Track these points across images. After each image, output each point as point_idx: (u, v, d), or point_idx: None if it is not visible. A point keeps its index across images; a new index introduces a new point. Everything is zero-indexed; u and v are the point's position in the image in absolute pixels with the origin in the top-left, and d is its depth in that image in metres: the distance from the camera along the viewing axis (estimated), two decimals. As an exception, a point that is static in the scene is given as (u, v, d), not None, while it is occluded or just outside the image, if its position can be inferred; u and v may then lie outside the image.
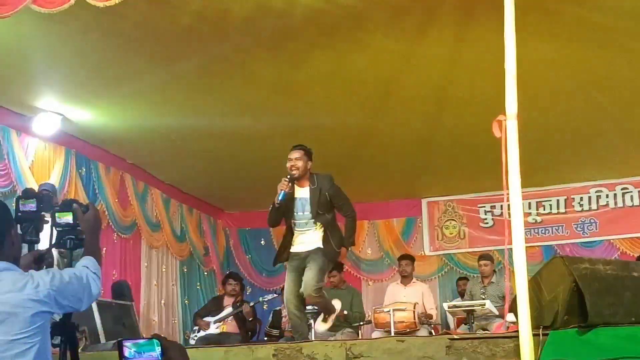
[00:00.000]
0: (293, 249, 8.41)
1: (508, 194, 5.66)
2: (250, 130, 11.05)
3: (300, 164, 8.26)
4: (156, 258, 13.31)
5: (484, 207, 15.20)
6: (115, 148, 11.93)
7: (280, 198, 8.20)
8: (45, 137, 10.58)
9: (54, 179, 10.60)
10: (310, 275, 8.15)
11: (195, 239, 14.61)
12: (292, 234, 8.45)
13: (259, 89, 9.74)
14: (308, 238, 8.35)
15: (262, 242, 15.88)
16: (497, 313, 10.29)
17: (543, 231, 14.73)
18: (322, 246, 8.28)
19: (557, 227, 14.72)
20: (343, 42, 8.44)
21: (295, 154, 8.31)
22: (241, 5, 7.54)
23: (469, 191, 15.11)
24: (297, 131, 11.02)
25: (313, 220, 8.32)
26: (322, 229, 8.33)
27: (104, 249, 11.65)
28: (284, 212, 8.41)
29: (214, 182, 13.87)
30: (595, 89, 9.80)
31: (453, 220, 15.47)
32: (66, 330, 4.33)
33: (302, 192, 8.37)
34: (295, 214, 8.35)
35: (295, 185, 8.36)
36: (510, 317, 6.24)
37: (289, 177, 8.24)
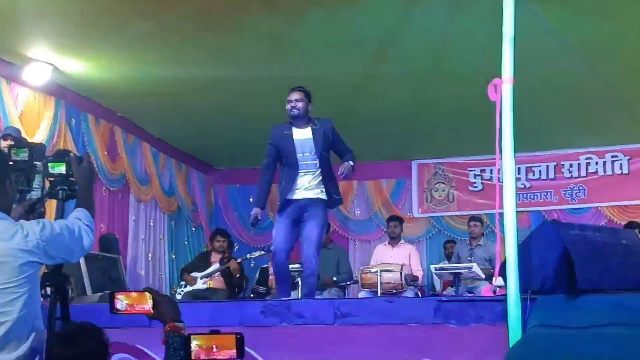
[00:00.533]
0: (291, 196, 8.16)
1: (500, 158, 5.65)
2: (242, 85, 11.00)
3: (300, 104, 8.17)
4: (144, 212, 13.29)
5: (474, 170, 15.21)
6: (105, 100, 11.86)
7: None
8: (35, 87, 10.50)
9: (43, 129, 10.54)
10: (313, 232, 8.11)
11: (183, 194, 14.59)
12: (289, 179, 8.21)
13: (252, 43, 9.67)
14: (308, 183, 8.15)
15: (251, 199, 15.82)
16: (483, 276, 10.34)
17: (532, 196, 14.75)
18: (324, 197, 8.16)
19: (545, 193, 14.75)
20: (339, 1, 8.39)
21: (296, 95, 8.20)
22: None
23: (459, 154, 15.10)
24: (289, 86, 10.98)
25: (316, 162, 8.15)
26: (321, 173, 8.17)
27: (92, 201, 11.63)
28: (278, 159, 8.32)
29: (204, 137, 13.83)
30: (591, 55, 9.78)
31: (442, 183, 15.48)
32: (57, 282, 4.33)
33: (303, 133, 8.21)
34: (296, 155, 8.17)
35: (294, 128, 8.24)
36: (498, 280, 6.26)
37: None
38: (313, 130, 8.19)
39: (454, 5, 8.40)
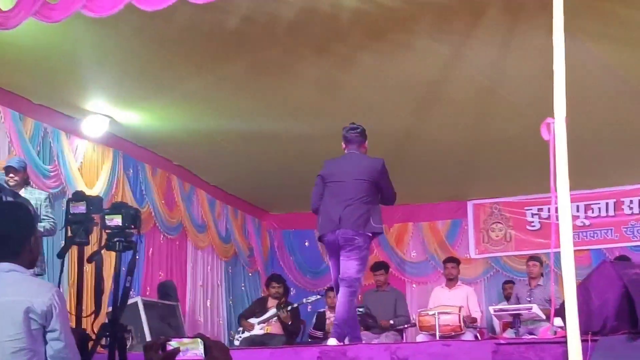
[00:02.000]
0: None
1: (556, 196, 5.61)
2: (295, 131, 11.07)
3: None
4: (202, 259, 13.39)
5: (531, 209, 15.07)
6: (162, 150, 12.01)
7: None
8: (93, 139, 10.71)
9: (102, 180, 10.73)
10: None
11: (240, 240, 14.66)
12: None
13: (305, 91, 9.76)
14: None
15: (306, 243, 15.88)
16: (544, 317, 10.21)
17: (592, 234, 14.56)
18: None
19: (606, 231, 14.55)
20: (389, 44, 8.43)
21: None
22: (288, 8, 7.56)
23: (515, 193, 14.98)
24: (341, 132, 11.03)
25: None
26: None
27: (150, 249, 11.75)
28: None
29: (258, 183, 13.91)
30: (645, 91, 9.70)
31: (499, 222, 15.35)
32: (115, 331, 4.36)
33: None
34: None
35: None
36: (557, 321, 6.19)
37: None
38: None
39: (504, 45, 8.39)
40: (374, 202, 8.25)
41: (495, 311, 10.95)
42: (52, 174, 10.02)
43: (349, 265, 8.05)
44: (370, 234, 8.14)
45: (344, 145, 8.52)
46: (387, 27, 8.08)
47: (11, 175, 8.46)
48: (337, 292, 8.24)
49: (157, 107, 10.35)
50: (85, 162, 10.62)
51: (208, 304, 13.39)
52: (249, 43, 8.39)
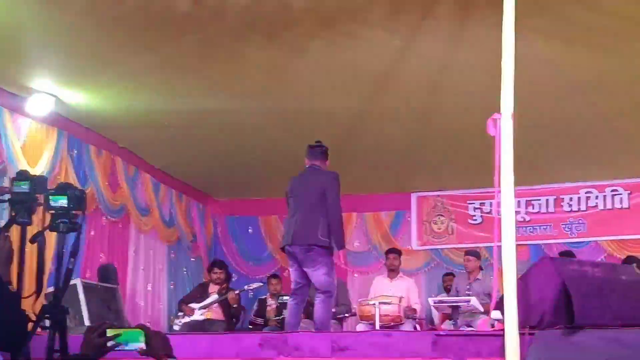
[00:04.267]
0: None
1: (499, 192, 5.67)
2: (242, 117, 11.04)
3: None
4: (144, 242, 13.30)
5: (473, 203, 15.22)
6: (107, 131, 11.90)
7: None
8: (38, 118, 10.54)
9: (45, 160, 10.57)
10: None
11: (183, 224, 14.61)
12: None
13: (253, 76, 9.72)
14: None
15: (250, 230, 15.89)
16: (482, 310, 10.33)
17: (531, 230, 14.74)
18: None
19: (545, 227, 14.74)
20: (340, 33, 8.43)
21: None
22: (240, -7, 7.53)
23: (459, 187, 15.12)
24: (288, 119, 11.06)
25: None
26: None
27: (92, 231, 11.66)
28: None
29: (204, 168, 13.86)
30: (590, 90, 9.82)
31: (442, 215, 15.48)
32: (56, 313, 4.33)
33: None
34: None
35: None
36: (496, 314, 6.27)
37: None
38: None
39: (453, 39, 8.44)
40: (327, 214, 8.47)
41: (434, 302, 11.06)
42: (-7, 151, 9.84)
43: (315, 276, 8.53)
44: (322, 246, 8.38)
45: (306, 160, 8.78)
46: (338, 16, 8.08)
47: None
48: (294, 297, 8.71)
49: (103, 88, 10.23)
50: (28, 141, 10.43)
51: (149, 287, 13.32)
52: (199, 25, 8.32)
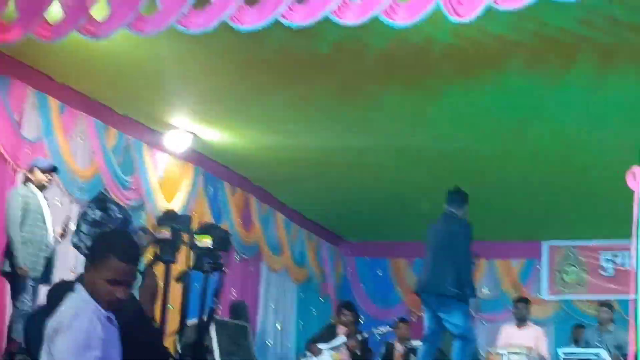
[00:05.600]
0: None
1: (636, 244, 5.55)
2: (376, 158, 11.09)
3: None
4: (275, 281, 13.43)
5: (606, 255, 14.89)
6: (242, 169, 12.10)
7: None
8: (175, 154, 10.77)
9: (181, 196, 10.80)
10: None
11: (314, 264, 14.69)
12: None
13: (389, 118, 9.76)
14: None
15: (379, 272, 15.88)
16: (611, 362, 10.09)
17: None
18: None
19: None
20: (478, 80, 8.41)
21: None
22: (380, 38, 7.56)
23: (591, 237, 14.82)
24: (423, 162, 11.05)
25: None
26: None
27: (225, 269, 11.82)
28: None
29: (335, 209, 13.94)
30: None
31: (573, 265, 15.20)
32: (200, 352, 4.41)
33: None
34: None
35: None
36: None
37: None
38: None
39: (593, 89, 8.32)
40: (457, 263, 8.39)
41: (564, 354, 10.82)
42: (132, 185, 10.05)
43: (450, 322, 8.42)
44: (453, 295, 8.32)
45: (444, 206, 8.71)
46: (477, 63, 8.07)
47: (50, 175, 8.01)
48: (427, 343, 8.68)
49: (240, 126, 10.42)
50: (165, 176, 10.69)
51: (278, 326, 13.42)
52: (338, 68, 8.42)
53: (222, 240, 4.57)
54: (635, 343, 5.66)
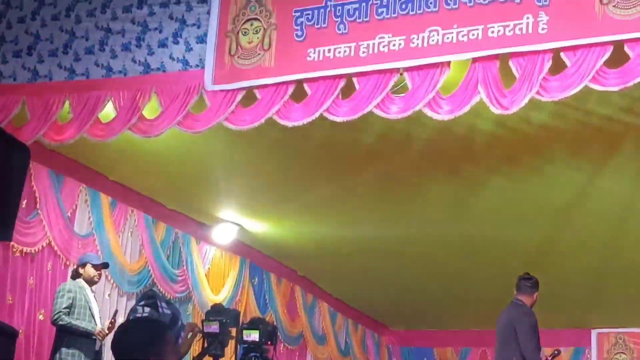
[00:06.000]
0: None
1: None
2: (420, 247, 11.10)
3: None
4: (321, 371, 13.38)
5: (655, 341, 14.69)
6: (287, 260, 12.17)
7: None
8: (222, 246, 10.90)
9: (228, 288, 10.90)
10: None
11: (358, 354, 14.60)
12: None
13: (433, 208, 9.81)
14: None
15: (425, 361, 15.75)
16: None
17: None
18: None
19: None
20: (522, 169, 8.45)
21: None
22: (423, 129, 7.65)
23: (640, 324, 14.64)
24: (468, 251, 11.02)
25: None
26: None
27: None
28: None
29: (380, 298, 13.89)
30: None
31: (623, 353, 14.97)
32: None
33: None
34: None
35: None
36: None
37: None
38: None
39: (638, 178, 8.32)
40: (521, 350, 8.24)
41: None
42: (179, 278, 10.20)
43: None
44: None
45: (514, 291, 8.59)
46: (519, 152, 8.11)
47: (101, 271, 8.09)
48: None
49: (285, 217, 10.52)
50: (212, 268, 10.83)
51: (322, 417, 13.33)
52: (381, 159, 8.51)
53: (269, 333, 4.61)
54: None
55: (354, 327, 14.68)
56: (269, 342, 4.67)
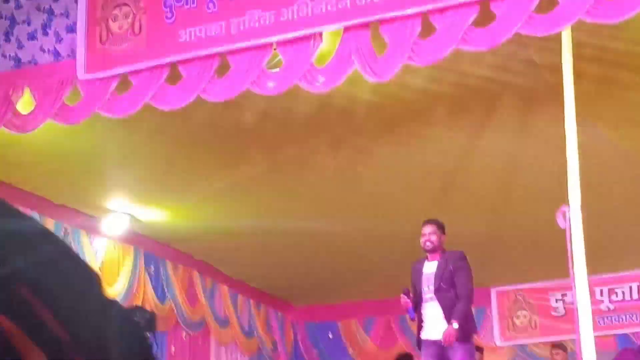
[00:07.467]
0: (423, 335, 7.97)
1: (574, 283, 5.62)
2: (315, 224, 11.10)
3: (434, 237, 8.09)
4: (225, 355, 13.31)
5: (555, 295, 14.92)
6: (183, 245, 12.06)
7: (411, 317, 8.10)
8: (114, 237, 10.76)
9: (123, 279, 10.75)
10: None
11: (263, 334, 14.58)
12: (420, 316, 8.03)
13: (323, 184, 9.84)
14: (434, 318, 7.89)
15: (330, 335, 15.78)
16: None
17: (617, 319, 14.38)
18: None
19: (631, 315, 14.36)
20: (405, 136, 8.53)
21: (428, 228, 8.11)
22: (304, 103, 7.67)
23: (539, 279, 14.87)
24: (361, 224, 11.07)
25: (434, 295, 7.92)
26: (443, 308, 7.83)
27: (173, 347, 11.71)
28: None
29: (281, 276, 13.89)
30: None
31: (524, 309, 15.21)
32: None
33: (431, 267, 8.06)
34: (422, 289, 7.99)
35: (426, 262, 8.15)
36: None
37: (404, 291, 8.08)
38: (438, 263, 8.07)
39: (518, 134, 8.47)
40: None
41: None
42: (72, 274, 10.00)
43: None
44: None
45: None
46: (401, 119, 8.18)
47: None
48: None
49: (177, 204, 10.44)
50: (106, 260, 10.66)
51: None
52: (267, 138, 8.51)
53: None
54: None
55: (257, 308, 14.63)
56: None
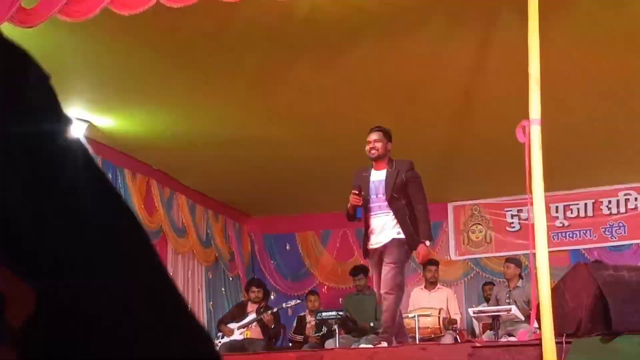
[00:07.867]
0: (370, 244, 8.03)
1: (532, 198, 5.63)
2: (275, 135, 11.06)
3: (379, 145, 8.06)
4: (182, 264, 13.34)
5: (511, 210, 15.06)
6: (141, 154, 11.96)
7: (358, 215, 8.04)
8: (71, 144, 10.61)
9: (79, 186, 10.64)
10: (387, 272, 7.76)
11: (220, 244, 14.61)
12: (366, 223, 8.07)
13: (284, 95, 9.76)
14: (381, 226, 7.95)
15: (287, 247, 15.84)
16: (523, 318, 10.21)
17: (570, 235, 14.58)
18: (400, 236, 7.84)
19: (585, 231, 14.57)
20: (368, 46, 8.44)
21: (374, 136, 8.08)
22: (265, 12, 7.54)
23: (495, 195, 14.97)
24: (322, 135, 11.04)
25: (387, 204, 7.96)
26: (395, 216, 7.91)
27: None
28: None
29: (239, 187, 13.87)
30: (621, 90, 9.72)
31: (479, 224, 15.34)
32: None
33: (379, 175, 8.09)
34: (369, 197, 8.03)
35: (372, 170, 8.16)
36: (536, 323, 6.20)
37: (357, 190, 8.02)
38: (388, 172, 8.05)
39: (482, 47, 8.41)
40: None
41: (474, 313, 10.94)
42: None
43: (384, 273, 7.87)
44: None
45: None
46: (364, 29, 8.09)
47: None
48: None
49: (136, 112, 10.31)
50: (62, 167, 10.54)
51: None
52: (227, 47, 8.39)
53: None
54: (537, 295, 5.75)
55: (215, 218, 14.63)
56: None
